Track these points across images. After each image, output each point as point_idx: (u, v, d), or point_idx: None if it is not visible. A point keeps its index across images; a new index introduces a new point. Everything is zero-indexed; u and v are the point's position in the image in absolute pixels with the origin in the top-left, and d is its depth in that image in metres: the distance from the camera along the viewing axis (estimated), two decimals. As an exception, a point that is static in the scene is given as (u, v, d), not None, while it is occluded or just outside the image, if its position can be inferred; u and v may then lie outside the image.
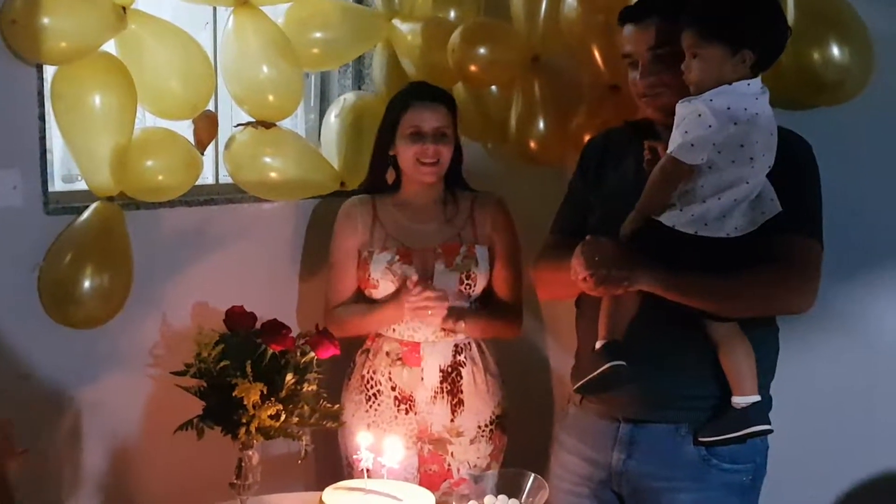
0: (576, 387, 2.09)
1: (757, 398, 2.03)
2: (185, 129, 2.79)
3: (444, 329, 2.64)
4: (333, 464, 2.75)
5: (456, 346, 2.70)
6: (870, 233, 2.32)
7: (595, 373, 2.02)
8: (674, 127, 1.96)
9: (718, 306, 1.99)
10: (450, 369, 2.69)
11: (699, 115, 1.91)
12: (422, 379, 2.68)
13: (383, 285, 2.66)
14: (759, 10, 1.94)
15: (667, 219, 1.95)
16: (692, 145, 1.91)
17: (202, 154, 2.81)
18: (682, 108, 1.95)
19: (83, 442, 2.72)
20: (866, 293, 2.35)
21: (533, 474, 2.18)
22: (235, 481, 2.32)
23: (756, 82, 1.95)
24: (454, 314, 2.62)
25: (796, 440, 2.23)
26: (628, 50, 2.10)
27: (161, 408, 2.78)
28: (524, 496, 2.15)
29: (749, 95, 1.93)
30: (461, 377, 2.69)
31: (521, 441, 2.74)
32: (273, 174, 2.88)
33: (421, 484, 2.60)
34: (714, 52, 1.92)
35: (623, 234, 2.00)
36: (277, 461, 2.47)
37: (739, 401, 2.03)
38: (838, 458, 2.41)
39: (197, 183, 2.82)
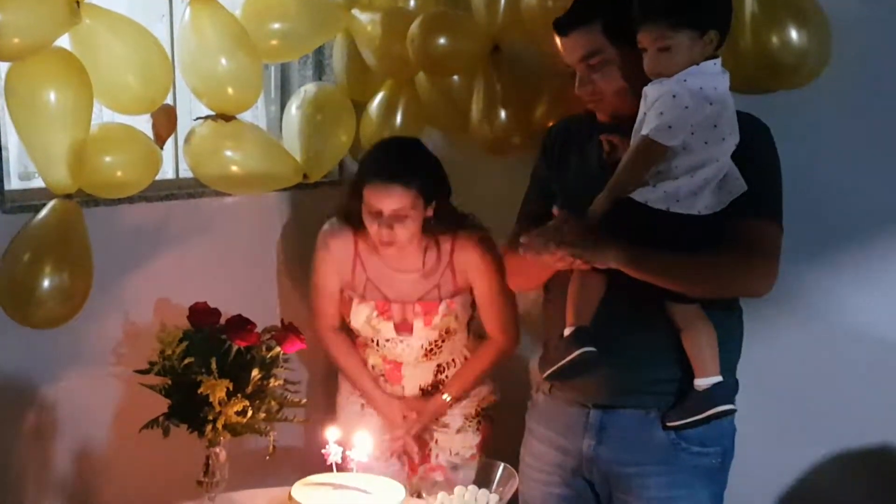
0: (546, 374, 2.09)
1: (718, 379, 2.04)
2: (143, 123, 2.76)
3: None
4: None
5: (438, 365, 2.73)
6: (830, 215, 2.34)
7: (565, 360, 2.02)
8: (643, 108, 1.96)
9: (680, 286, 2.00)
10: (430, 387, 2.73)
11: (674, 97, 1.90)
12: (402, 396, 2.73)
13: (364, 332, 2.70)
14: None
15: (639, 195, 1.95)
16: (670, 127, 1.90)
17: (161, 149, 2.77)
18: (653, 90, 1.94)
19: (46, 442, 2.68)
20: (827, 275, 2.38)
21: (503, 464, 2.19)
22: (203, 479, 2.30)
23: (719, 61, 1.96)
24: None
25: (758, 420, 2.24)
26: (566, 60, 2.12)
27: (126, 406, 2.76)
28: (494, 486, 2.16)
29: (717, 74, 1.95)
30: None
31: (498, 434, 2.75)
32: (234, 168, 2.85)
33: (407, 466, 2.70)
34: (684, 40, 1.92)
35: (592, 214, 1.98)
36: (261, 457, 2.46)
37: (701, 383, 2.04)
38: (800, 437, 2.44)
39: (157, 178, 2.79)
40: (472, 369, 2.71)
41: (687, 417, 2.05)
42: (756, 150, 2.01)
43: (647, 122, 1.93)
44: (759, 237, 2.01)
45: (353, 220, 2.62)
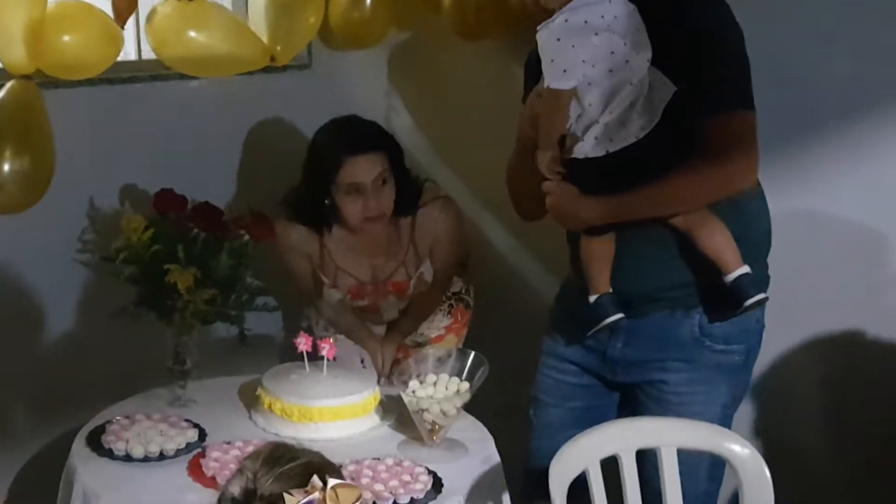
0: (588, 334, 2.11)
1: (745, 269, 2.01)
2: (102, 1, 2.65)
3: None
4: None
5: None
6: (805, 98, 2.30)
7: (596, 328, 2.07)
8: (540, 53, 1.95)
9: (669, 210, 1.99)
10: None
11: (558, 40, 1.90)
12: None
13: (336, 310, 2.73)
14: None
15: (578, 152, 1.96)
16: (564, 71, 1.90)
17: (122, 28, 2.67)
18: (541, 37, 1.93)
19: (12, 331, 2.65)
20: (802, 160, 2.35)
21: (473, 352, 2.20)
22: (172, 366, 2.31)
23: None
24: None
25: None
26: None
27: (94, 293, 2.73)
28: (464, 374, 2.18)
29: (601, 2, 1.90)
30: None
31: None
32: (199, 49, 2.75)
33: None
34: None
35: (545, 173, 2.00)
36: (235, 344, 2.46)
37: (729, 277, 2.01)
38: (774, 321, 2.46)
39: (119, 60, 2.69)
40: (422, 312, 2.75)
41: (729, 315, 2.04)
42: (706, 38, 1.94)
43: (545, 74, 1.94)
44: (731, 132, 1.94)
45: (312, 220, 2.61)
